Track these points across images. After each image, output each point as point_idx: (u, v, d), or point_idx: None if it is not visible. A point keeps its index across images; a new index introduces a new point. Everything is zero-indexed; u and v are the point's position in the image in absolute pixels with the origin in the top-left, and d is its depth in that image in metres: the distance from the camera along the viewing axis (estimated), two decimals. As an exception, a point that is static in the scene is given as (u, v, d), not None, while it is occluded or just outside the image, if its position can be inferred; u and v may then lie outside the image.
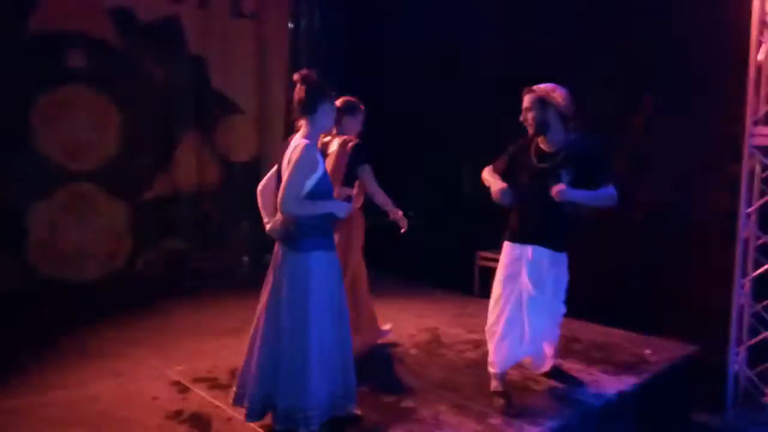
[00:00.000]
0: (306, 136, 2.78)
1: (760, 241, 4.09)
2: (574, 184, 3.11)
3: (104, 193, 5.84)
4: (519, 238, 3.33)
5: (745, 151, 4.04)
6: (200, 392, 3.42)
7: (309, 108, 2.76)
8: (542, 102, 3.17)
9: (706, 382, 4.26)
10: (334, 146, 3.74)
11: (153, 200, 6.18)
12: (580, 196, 3.11)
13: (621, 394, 3.43)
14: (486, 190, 3.34)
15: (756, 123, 4.00)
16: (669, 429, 3.82)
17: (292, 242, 2.82)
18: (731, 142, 4.14)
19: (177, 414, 3.16)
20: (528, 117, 3.23)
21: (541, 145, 3.28)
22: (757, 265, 4.10)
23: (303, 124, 2.82)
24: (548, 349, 3.59)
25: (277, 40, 6.87)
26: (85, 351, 4.07)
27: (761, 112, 3.99)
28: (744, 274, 4.12)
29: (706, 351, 4.27)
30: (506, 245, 3.38)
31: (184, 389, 3.47)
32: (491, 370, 3.41)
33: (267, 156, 6.71)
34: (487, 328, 3.44)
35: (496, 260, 3.54)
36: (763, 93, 3.98)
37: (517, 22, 5.48)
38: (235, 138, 6.66)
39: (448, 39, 6.09)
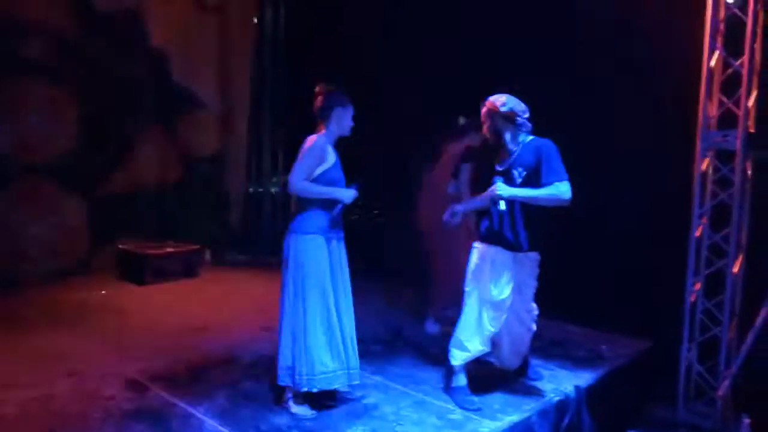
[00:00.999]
0: (320, 135, 3.14)
1: (711, 241, 4.24)
2: (527, 184, 3.21)
3: (61, 188, 5.69)
4: (484, 239, 3.39)
5: (698, 154, 4.18)
6: (158, 391, 3.37)
7: (323, 115, 3.16)
8: (489, 113, 3.34)
9: (659, 377, 4.40)
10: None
11: (112, 196, 6.05)
12: (520, 194, 3.19)
13: (578, 389, 3.51)
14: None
15: (708, 126, 4.14)
16: (624, 422, 3.93)
17: (296, 225, 3.11)
18: (684, 145, 4.28)
19: (135, 413, 3.10)
20: (485, 129, 3.39)
21: (502, 151, 3.38)
22: (708, 264, 4.25)
23: (320, 127, 3.18)
24: (522, 348, 3.63)
25: (240, 35, 6.81)
26: (39, 349, 3.96)
27: (713, 116, 4.14)
28: (696, 273, 4.27)
29: (660, 347, 4.41)
30: (475, 244, 3.44)
31: (142, 388, 3.41)
32: (453, 363, 3.46)
33: (230, 151, 6.65)
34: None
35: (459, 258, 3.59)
36: (714, 98, 4.14)
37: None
38: (198, 133, 6.57)
39: (413, 36, 6.11)
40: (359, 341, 4.19)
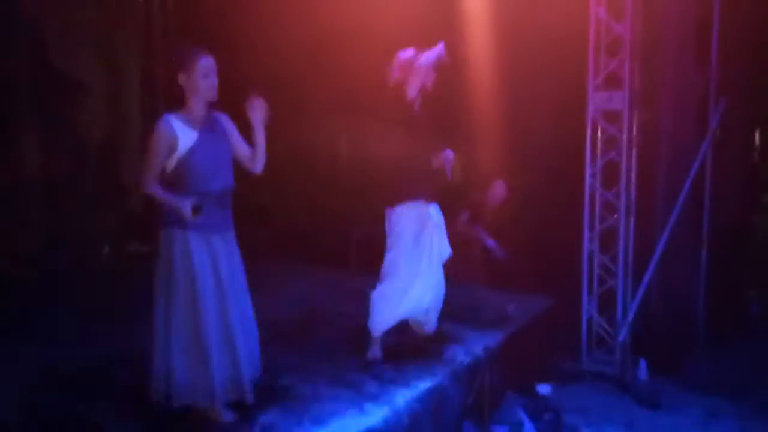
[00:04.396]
0: (166, 115, 2.61)
1: (604, 199, 4.47)
2: None
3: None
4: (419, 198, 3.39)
5: (588, 116, 4.38)
6: (54, 395, 3.15)
7: (175, 87, 2.62)
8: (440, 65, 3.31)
9: (563, 331, 4.63)
10: None
11: (-9, 191, 5.53)
12: None
13: (487, 349, 3.62)
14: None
15: (596, 89, 4.33)
16: (533, 377, 4.10)
17: (164, 216, 2.66)
18: (574, 109, 4.46)
19: (28, 420, 2.88)
20: (432, 83, 3.34)
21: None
22: (602, 220, 4.49)
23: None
24: (439, 306, 3.69)
25: (127, 9, 6.36)
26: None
27: (600, 79, 4.33)
28: (591, 229, 4.50)
29: (562, 303, 4.64)
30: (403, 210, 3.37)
31: (36, 393, 3.17)
32: (371, 335, 3.46)
33: (123, 136, 6.26)
34: (374, 294, 3.46)
35: (374, 233, 3.57)
36: (600, 61, 4.32)
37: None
38: (85, 118, 6.10)
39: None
40: (274, 324, 4.15)
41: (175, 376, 2.64)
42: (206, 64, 2.60)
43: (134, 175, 2.69)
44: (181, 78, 2.59)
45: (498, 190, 5.10)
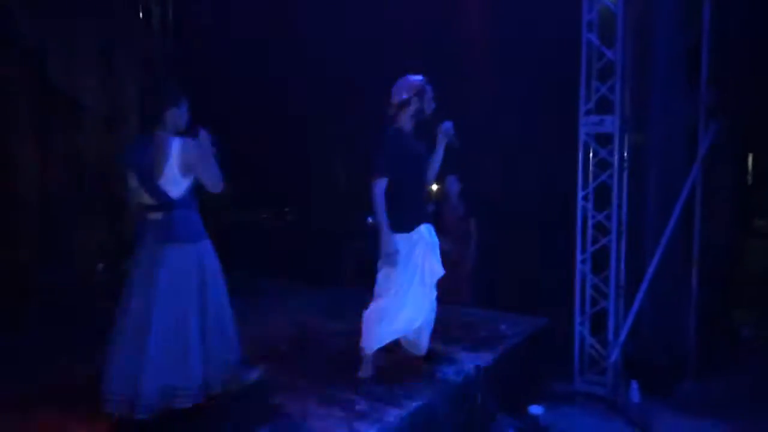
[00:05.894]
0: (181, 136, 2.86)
1: (596, 220, 4.51)
2: None
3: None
4: (414, 224, 3.41)
5: (580, 139, 4.44)
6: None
7: (156, 116, 2.84)
8: (421, 92, 3.40)
9: (556, 351, 4.63)
10: None
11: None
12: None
13: (478, 369, 3.62)
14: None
15: (587, 113, 4.40)
16: (525, 398, 4.09)
17: (199, 228, 2.97)
18: (566, 133, 4.53)
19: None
20: (413, 109, 3.41)
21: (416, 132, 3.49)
22: (594, 242, 4.52)
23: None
24: (432, 326, 3.68)
25: (126, 33, 6.46)
26: None
27: (591, 103, 4.40)
28: (583, 251, 4.54)
29: (555, 324, 4.65)
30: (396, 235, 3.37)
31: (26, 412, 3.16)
32: (363, 353, 3.46)
33: (120, 156, 6.30)
34: (367, 312, 3.45)
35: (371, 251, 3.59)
36: (592, 86, 4.40)
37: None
38: (83, 138, 6.16)
39: (303, 39, 6.10)
40: (266, 341, 4.14)
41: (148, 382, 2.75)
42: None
43: (214, 183, 2.90)
44: (174, 112, 2.85)
45: (452, 184, 5.29)
